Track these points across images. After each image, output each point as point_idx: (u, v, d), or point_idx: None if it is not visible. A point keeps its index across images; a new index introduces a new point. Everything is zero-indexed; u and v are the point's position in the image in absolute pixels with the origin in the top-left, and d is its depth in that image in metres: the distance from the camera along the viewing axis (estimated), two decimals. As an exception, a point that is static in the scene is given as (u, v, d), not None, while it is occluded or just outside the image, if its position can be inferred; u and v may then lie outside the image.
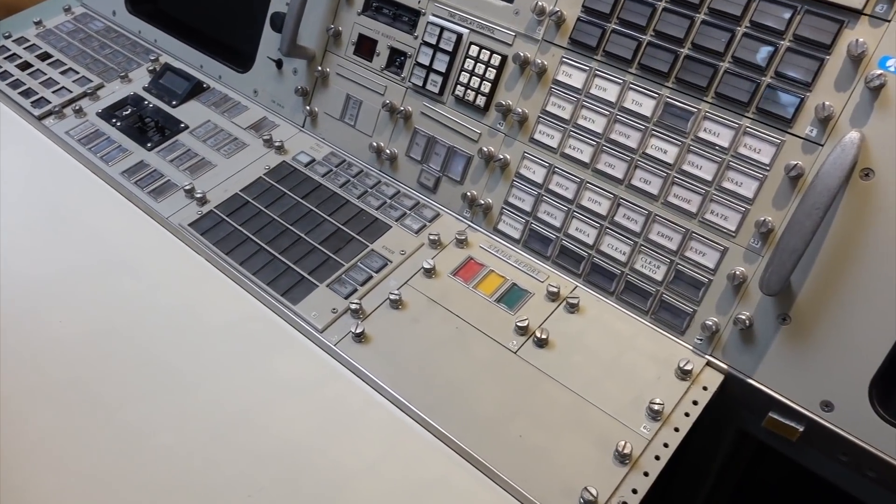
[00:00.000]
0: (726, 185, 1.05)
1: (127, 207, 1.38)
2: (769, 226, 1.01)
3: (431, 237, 1.25)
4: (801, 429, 1.01)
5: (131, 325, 1.16)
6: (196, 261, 1.27)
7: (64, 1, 1.96)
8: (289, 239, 1.27)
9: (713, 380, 1.06)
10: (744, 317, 1.03)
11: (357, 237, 1.27)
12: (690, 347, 1.09)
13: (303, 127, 1.52)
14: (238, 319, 1.17)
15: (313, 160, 1.43)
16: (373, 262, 1.23)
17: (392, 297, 1.15)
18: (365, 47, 1.41)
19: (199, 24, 1.75)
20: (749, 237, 1.04)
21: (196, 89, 1.62)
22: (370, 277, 1.20)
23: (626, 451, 0.96)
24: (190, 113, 1.57)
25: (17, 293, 1.20)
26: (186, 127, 1.53)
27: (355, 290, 1.19)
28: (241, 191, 1.37)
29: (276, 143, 1.45)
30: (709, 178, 1.06)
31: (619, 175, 1.13)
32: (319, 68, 1.45)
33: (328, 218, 1.31)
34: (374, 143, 1.39)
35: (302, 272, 1.22)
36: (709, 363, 1.07)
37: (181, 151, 1.48)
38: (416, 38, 1.33)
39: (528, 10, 1.19)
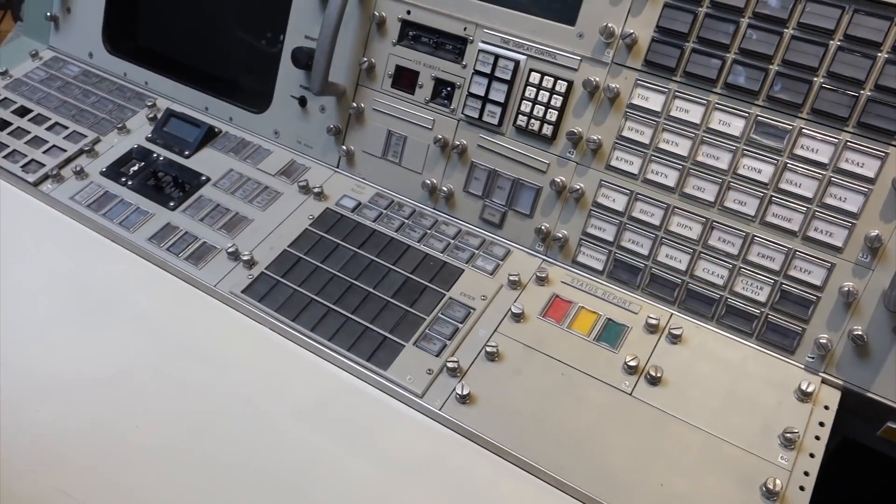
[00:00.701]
0: (829, 201, 1.03)
1: (166, 279, 1.25)
2: (879, 240, 1.00)
3: (511, 277, 1.18)
4: (927, 437, 1.00)
5: (215, 423, 1.04)
6: (260, 332, 1.17)
7: (27, 45, 1.78)
8: (357, 295, 1.18)
9: (832, 398, 1.05)
10: (858, 331, 1.02)
11: (430, 286, 1.19)
12: (802, 366, 1.07)
13: (337, 167, 1.42)
14: (326, 395, 1.08)
15: (359, 204, 1.34)
16: (455, 312, 1.15)
17: (489, 349, 1.09)
18: (405, 79, 1.33)
19: (198, 62, 1.62)
20: (857, 252, 1.02)
21: (209, 135, 1.50)
22: (457, 329, 1.13)
23: (776, 487, 0.93)
24: (207, 162, 1.45)
25: (75, 401, 1.06)
26: (208, 179, 1.41)
27: (445, 346, 1.11)
28: (289, 246, 1.27)
29: (315, 189, 1.35)
30: (809, 195, 1.04)
31: (710, 198, 1.10)
32: (354, 104, 1.36)
33: (393, 267, 1.22)
34: (427, 181, 1.31)
35: (382, 332, 1.13)
36: (823, 381, 1.06)
37: (210, 208, 1.36)
38: (464, 66, 1.26)
39: (595, 32, 1.14)
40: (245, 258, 1.24)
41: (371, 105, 1.36)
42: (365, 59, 1.34)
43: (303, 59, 1.37)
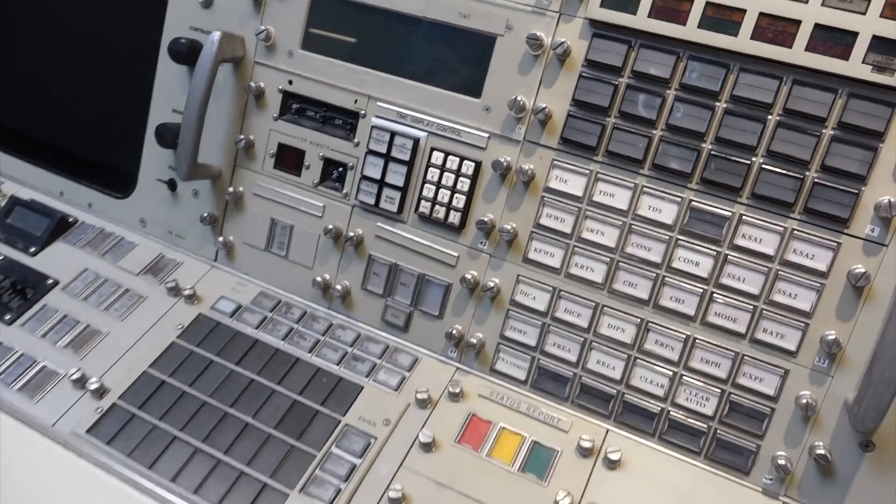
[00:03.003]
0: (778, 298, 0.89)
1: (-11, 417, 1.00)
2: (838, 343, 0.86)
3: (419, 395, 0.99)
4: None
5: None
6: (109, 484, 0.93)
7: None
8: (232, 428, 0.97)
9: (796, 526, 0.89)
10: (820, 448, 0.87)
11: (323, 409, 0.99)
12: (760, 489, 0.91)
13: (214, 261, 1.21)
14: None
15: (240, 307, 1.13)
16: (353, 444, 0.95)
17: (392, 494, 0.89)
18: (289, 159, 1.14)
19: (52, 139, 1.39)
20: (813, 356, 0.88)
21: (60, 227, 1.26)
22: (354, 468, 0.93)
23: None
24: (57, 261, 1.21)
25: None
26: (56, 283, 1.18)
27: (339, 491, 0.91)
28: (150, 366, 1.04)
29: (186, 290, 1.13)
30: (755, 291, 0.89)
31: (644, 295, 0.94)
32: (231, 189, 1.16)
33: (278, 388, 1.01)
34: (319, 278, 1.11)
35: (262, 476, 0.92)
36: (785, 505, 0.90)
37: (56, 320, 1.12)
38: (356, 144, 1.08)
39: (504, 105, 0.98)
40: (93, 386, 1.00)
41: (251, 189, 1.16)
42: (242, 136, 1.14)
43: (168, 136, 1.16)
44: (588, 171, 0.96)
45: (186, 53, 1.13)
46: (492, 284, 1.00)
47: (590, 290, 0.97)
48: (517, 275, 1.01)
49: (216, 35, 1.07)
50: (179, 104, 1.19)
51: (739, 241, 0.90)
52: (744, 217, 0.89)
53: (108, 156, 1.33)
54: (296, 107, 1.12)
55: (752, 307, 0.90)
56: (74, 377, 1.01)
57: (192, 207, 1.21)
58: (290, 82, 1.11)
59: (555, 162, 0.97)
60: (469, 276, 1.02)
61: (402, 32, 1.03)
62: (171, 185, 1.22)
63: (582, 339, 0.98)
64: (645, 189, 0.93)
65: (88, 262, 1.21)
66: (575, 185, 0.97)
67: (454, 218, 1.02)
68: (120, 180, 1.27)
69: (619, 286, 0.96)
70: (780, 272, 0.88)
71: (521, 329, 1.01)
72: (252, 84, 1.12)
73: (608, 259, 0.96)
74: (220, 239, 1.18)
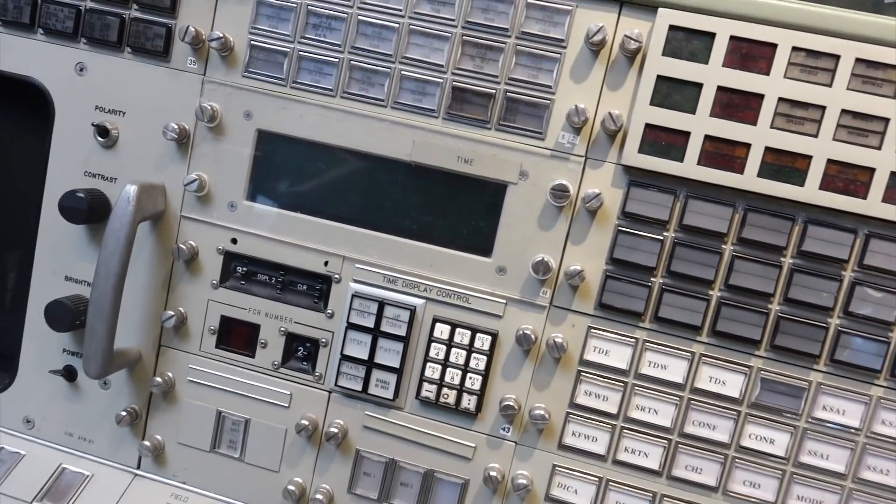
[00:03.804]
0: (869, 476, 0.77)
1: None
2: (938, 520, 0.75)
3: None
4: None
5: None
6: None
7: None
8: None
9: None
10: None
11: None
12: None
13: (138, 469, 0.92)
14: None
15: (186, 538, 0.85)
16: None
17: None
18: (237, 336, 0.89)
19: None
20: (910, 536, 0.77)
21: None
22: None
23: None
24: None
25: None
26: None
27: None
28: None
29: (107, 524, 0.84)
30: (841, 468, 0.78)
31: (711, 481, 0.80)
32: (158, 380, 0.89)
33: None
34: (290, 486, 0.87)
35: None
36: None
37: None
38: (329, 316, 0.86)
39: (521, 266, 0.81)
40: None
41: (185, 374, 0.90)
42: (171, 312, 0.88)
43: (65, 318, 0.87)
44: (634, 340, 0.80)
45: (87, 211, 0.85)
46: (523, 480, 0.82)
47: (645, 478, 0.81)
48: (552, 465, 0.83)
49: (132, 189, 0.81)
50: (74, 271, 0.91)
51: (819, 413, 0.77)
52: (822, 386, 0.77)
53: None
54: (242, 270, 0.88)
55: (838, 486, 0.78)
56: None
57: (102, 401, 0.92)
58: (234, 241, 0.87)
59: (592, 331, 0.80)
60: (491, 471, 0.82)
61: (384, 180, 0.83)
62: (70, 374, 0.92)
63: (640, 538, 0.81)
64: (704, 359, 0.79)
65: (-46, 496, 0.88)
66: (618, 357, 0.81)
67: (469, 402, 0.83)
68: (-10, 369, 0.95)
69: (680, 472, 0.80)
70: (867, 445, 0.77)
71: (563, 530, 0.83)
72: (181, 246, 0.86)
73: (665, 441, 0.80)
74: (146, 442, 0.90)
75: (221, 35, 0.82)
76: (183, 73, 0.86)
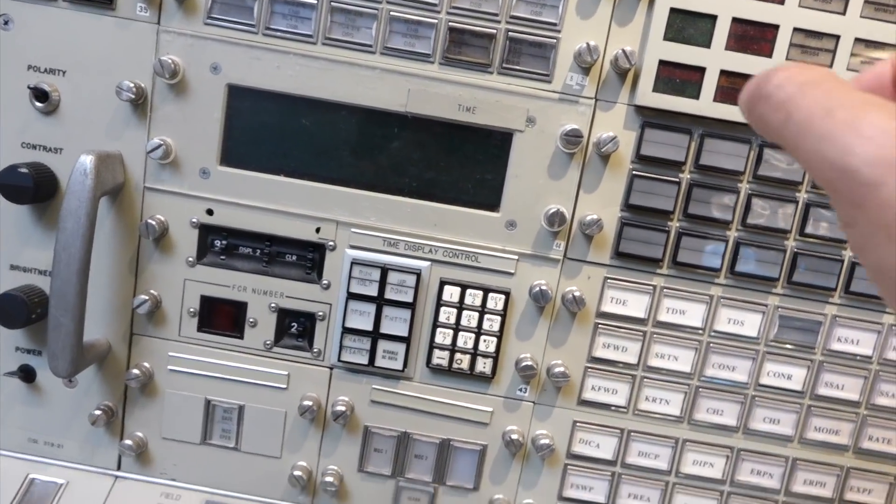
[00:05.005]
0: (880, 401, 0.79)
1: None
2: (943, 436, 0.78)
3: None
4: None
5: None
6: None
7: None
8: None
9: None
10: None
11: None
12: None
13: (118, 471, 0.84)
14: None
15: (186, 540, 0.78)
16: None
17: None
18: (221, 316, 0.80)
19: None
20: (918, 454, 0.80)
21: None
22: None
23: None
24: None
25: None
26: None
27: None
28: None
29: (94, 535, 0.76)
30: (855, 397, 0.79)
31: (732, 421, 0.80)
32: (135, 372, 0.79)
33: None
34: (296, 471, 0.81)
35: None
36: None
37: None
38: (325, 287, 0.79)
39: (533, 220, 0.76)
40: None
41: (164, 364, 0.81)
42: (143, 296, 0.78)
43: (19, 313, 0.76)
44: (651, 288, 0.77)
45: (34, 189, 0.74)
46: (545, 440, 0.79)
47: (667, 425, 0.80)
48: (573, 421, 0.80)
49: (89, 160, 0.70)
50: (19, 258, 0.79)
51: (835, 346, 0.78)
52: (837, 318, 0.77)
53: None
54: (222, 244, 0.79)
55: (854, 414, 0.79)
56: None
57: (68, 401, 0.82)
58: (210, 212, 0.78)
59: (609, 281, 0.77)
60: (511, 434, 0.79)
61: (378, 135, 0.76)
62: (27, 374, 0.82)
63: (664, 483, 0.81)
64: (723, 300, 0.77)
65: None
66: (636, 306, 0.78)
67: (484, 366, 0.79)
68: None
69: (701, 415, 0.80)
70: (879, 372, 0.78)
71: (586, 485, 0.81)
72: (149, 222, 0.76)
73: (686, 386, 0.79)
74: (127, 442, 0.81)
75: (179, -24, 0.71)
76: (133, 23, 0.74)
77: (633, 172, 0.75)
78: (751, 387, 0.79)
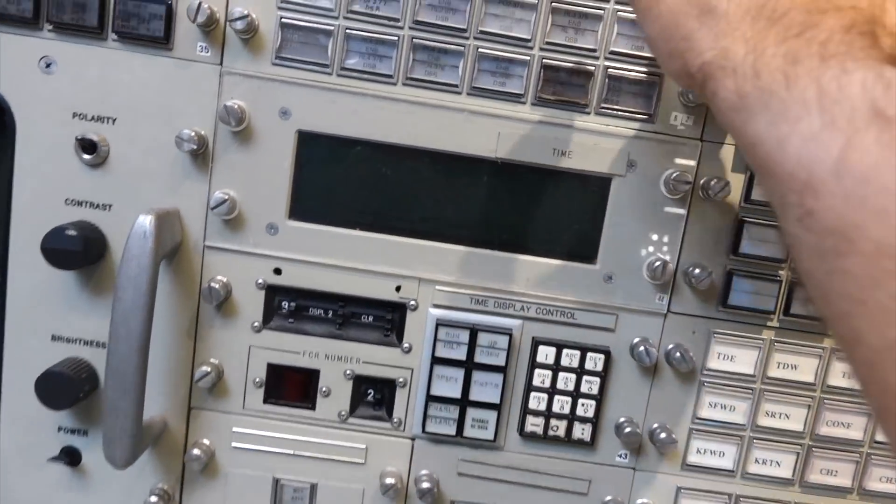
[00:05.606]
0: None
1: None
2: None
3: None
4: None
5: None
6: None
7: None
8: None
9: None
10: None
11: None
12: None
13: (174, 560, 0.75)
14: None
15: None
16: None
17: None
18: (290, 386, 0.73)
19: None
20: None
21: None
22: None
23: None
24: None
25: None
26: None
27: None
28: None
29: None
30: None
31: (847, 482, 0.74)
32: (196, 452, 0.71)
33: None
34: (377, 555, 0.73)
35: None
36: None
37: None
38: (406, 351, 0.71)
39: (633, 271, 0.70)
40: None
41: (227, 441, 0.73)
42: (204, 368, 0.70)
43: (67, 393, 0.68)
44: (761, 342, 0.72)
45: (83, 253, 0.66)
46: (647, 510, 0.72)
47: (777, 488, 0.74)
48: (676, 487, 0.74)
49: (148, 220, 0.62)
50: (62, 328, 0.71)
51: (953, 397, 0.73)
52: (957, 368, 0.72)
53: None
54: (290, 306, 0.72)
55: (972, 469, 0.74)
56: None
57: (120, 486, 0.73)
58: (278, 271, 0.70)
59: (716, 335, 0.71)
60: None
61: (463, 183, 0.69)
62: (71, 456, 0.73)
63: (776, 554, 0.75)
64: (836, 353, 0.72)
65: None
66: (744, 362, 0.72)
67: (583, 432, 0.72)
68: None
69: (814, 477, 0.74)
70: None
71: (696, 560, 0.75)
72: (213, 285, 0.69)
73: (798, 447, 0.73)
74: (184, 531, 0.73)
75: (247, 13, 0.64)
76: (193, 64, 0.67)
77: (742, 218, 0.69)
78: (865, 444, 0.74)
